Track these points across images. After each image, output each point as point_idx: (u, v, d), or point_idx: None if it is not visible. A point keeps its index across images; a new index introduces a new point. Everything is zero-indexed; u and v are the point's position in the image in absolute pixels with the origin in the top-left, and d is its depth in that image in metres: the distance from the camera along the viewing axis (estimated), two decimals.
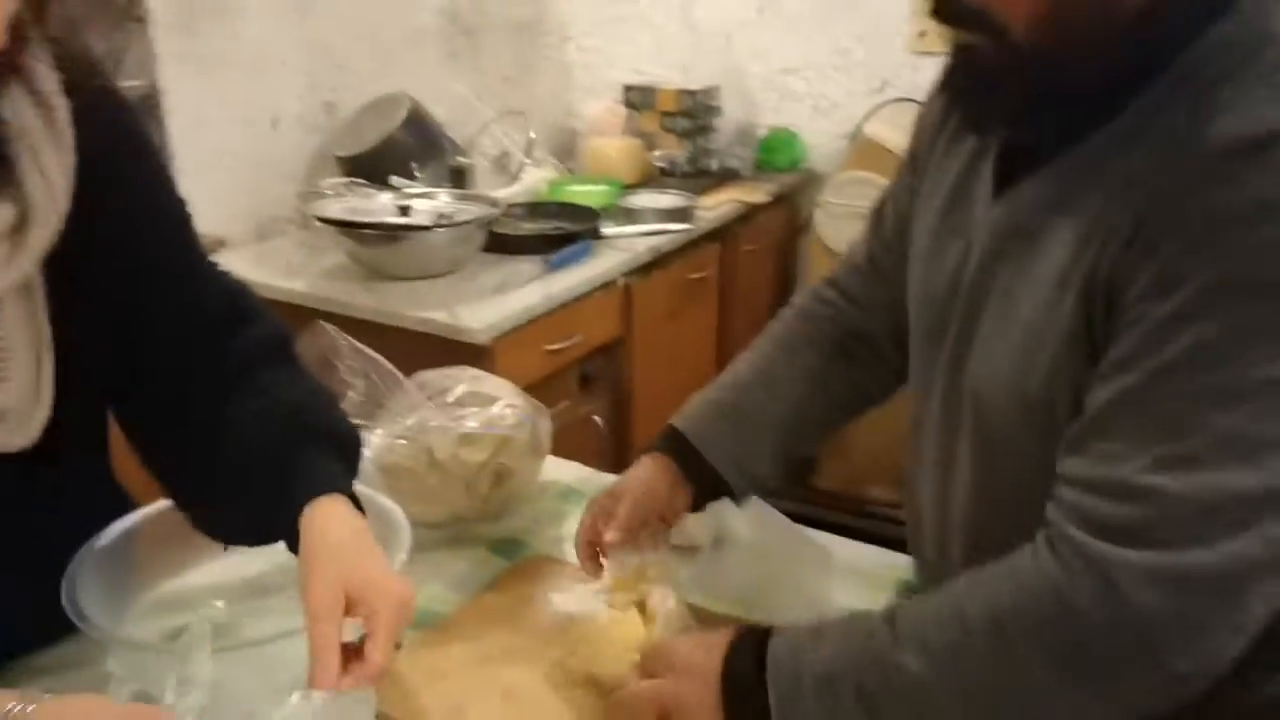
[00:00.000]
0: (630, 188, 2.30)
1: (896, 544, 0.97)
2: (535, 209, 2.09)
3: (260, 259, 1.86)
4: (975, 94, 0.70)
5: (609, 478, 1.08)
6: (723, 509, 1.01)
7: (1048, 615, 0.60)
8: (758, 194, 2.40)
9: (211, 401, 0.79)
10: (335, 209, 1.75)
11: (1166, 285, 0.58)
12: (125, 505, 0.88)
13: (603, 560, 0.87)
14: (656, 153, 2.46)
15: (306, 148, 2.10)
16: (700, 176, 2.45)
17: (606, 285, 1.87)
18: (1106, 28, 0.62)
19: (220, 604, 0.87)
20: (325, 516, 0.72)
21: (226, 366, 0.81)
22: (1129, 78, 0.63)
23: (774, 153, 2.62)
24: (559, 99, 2.86)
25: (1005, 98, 0.66)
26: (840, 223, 2.28)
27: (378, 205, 1.80)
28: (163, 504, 0.85)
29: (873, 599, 0.91)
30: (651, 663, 0.75)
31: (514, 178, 2.14)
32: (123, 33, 1.71)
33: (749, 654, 0.69)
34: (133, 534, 0.82)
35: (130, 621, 0.80)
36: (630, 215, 2.09)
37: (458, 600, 0.94)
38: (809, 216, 2.49)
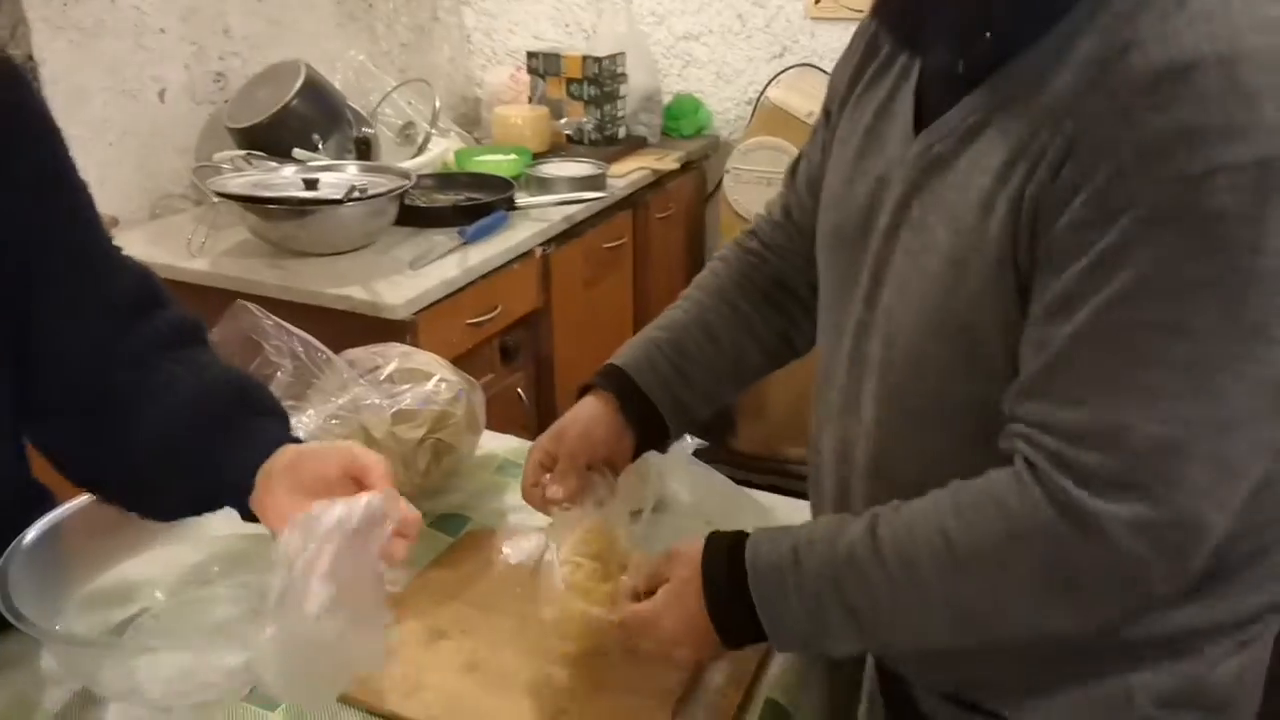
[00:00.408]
0: (539, 156, 2.28)
1: None
2: (445, 180, 2.05)
3: (157, 238, 1.77)
4: (910, 14, 0.70)
5: None
6: (664, 468, 1.02)
7: (1041, 557, 0.62)
8: (666, 161, 2.41)
9: (135, 383, 0.77)
10: (237, 184, 1.68)
11: (1103, 215, 0.59)
12: (47, 500, 0.84)
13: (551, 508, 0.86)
14: (563, 120, 2.44)
15: (197, 120, 2.00)
16: (608, 144, 2.44)
17: (524, 256, 1.85)
18: None
19: (159, 595, 0.84)
20: (294, 450, 0.74)
21: (146, 350, 0.79)
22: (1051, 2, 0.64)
23: (679, 120, 2.63)
24: (459, 66, 2.80)
25: (944, 17, 0.67)
26: (749, 188, 2.31)
27: (282, 179, 1.73)
28: (87, 498, 0.81)
29: None
30: (638, 584, 0.77)
31: (420, 148, 2.09)
32: None
33: (724, 561, 0.73)
34: (60, 529, 0.78)
35: (65, 618, 0.76)
36: (543, 185, 2.07)
37: (404, 579, 0.93)
38: (718, 182, 2.51)
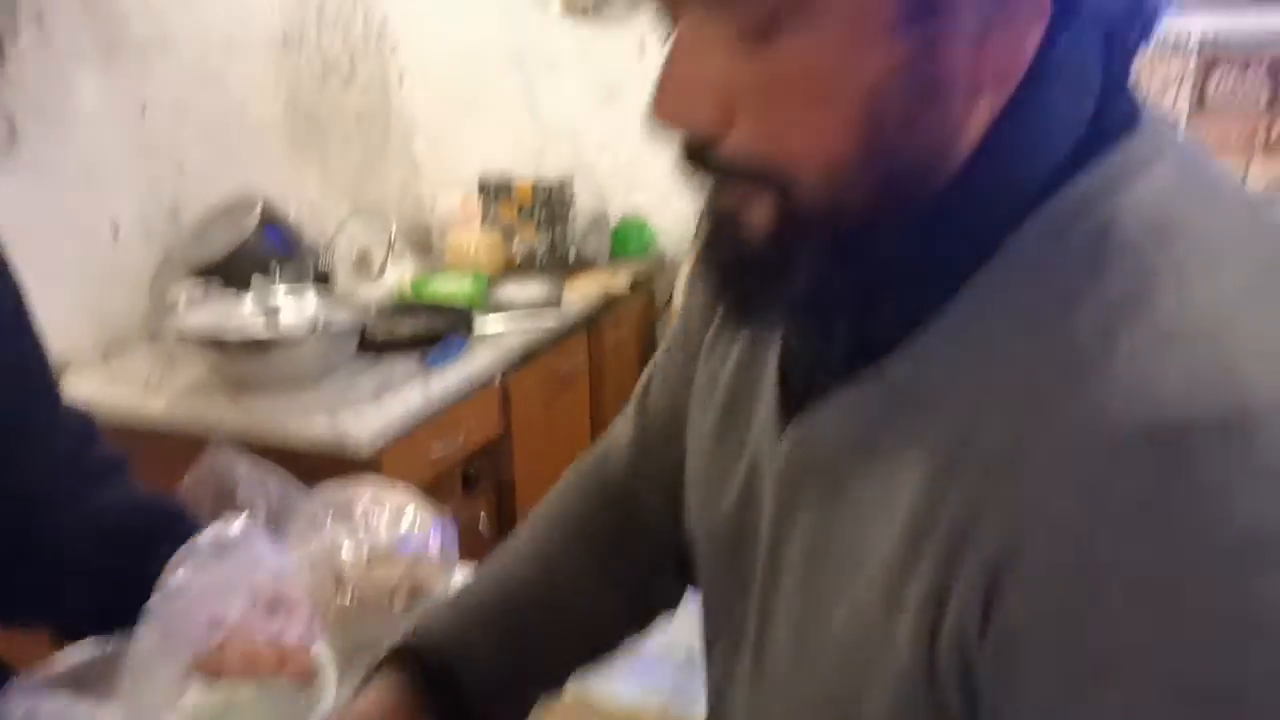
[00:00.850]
0: (494, 279, 2.31)
1: None
2: (403, 307, 2.06)
3: (111, 379, 1.73)
4: (746, 276, 0.46)
5: None
6: None
7: None
8: (617, 281, 2.46)
9: (68, 511, 0.81)
10: (196, 321, 1.67)
11: (1082, 667, 0.36)
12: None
13: None
14: (515, 243, 2.49)
15: (151, 255, 1.99)
16: (560, 266, 2.49)
17: (484, 382, 1.85)
18: (934, 174, 0.42)
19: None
20: None
21: (80, 483, 0.83)
22: (959, 255, 0.43)
23: (626, 240, 2.70)
24: (410, 192, 2.85)
25: (790, 281, 0.44)
26: None
27: (240, 313, 1.73)
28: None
29: None
30: None
31: (377, 276, 2.11)
32: None
33: None
34: None
35: None
36: (500, 308, 2.10)
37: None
38: (667, 300, 2.57)
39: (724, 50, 0.42)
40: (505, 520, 1.97)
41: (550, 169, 2.54)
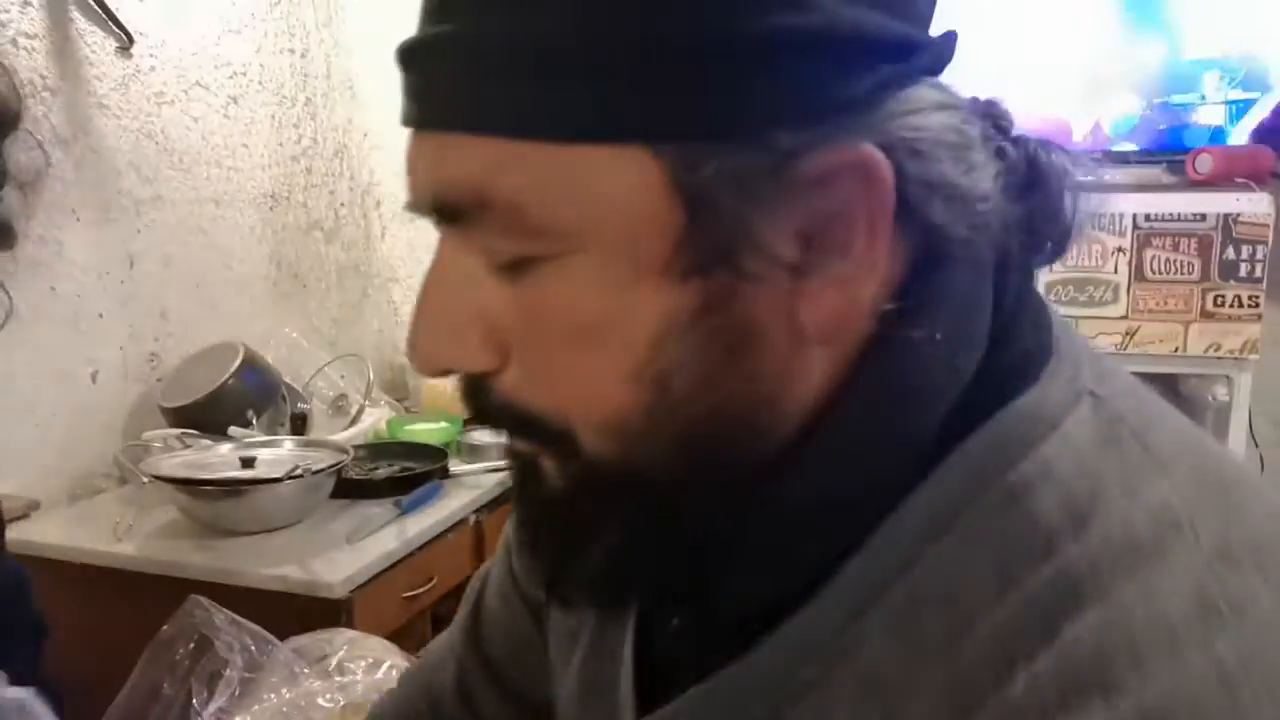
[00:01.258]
0: (468, 422, 2.34)
1: None
2: (379, 450, 2.07)
3: (78, 520, 1.71)
4: (554, 534, 0.41)
5: None
6: None
7: None
8: None
9: None
10: (170, 464, 1.67)
11: None
12: None
13: None
14: None
15: (126, 399, 2.01)
16: None
17: (458, 525, 1.86)
18: (758, 433, 0.37)
19: None
20: None
21: None
22: (824, 527, 0.37)
23: None
24: (387, 337, 2.91)
25: (599, 542, 0.39)
26: None
27: (217, 458, 1.73)
28: None
29: None
30: None
31: (354, 420, 2.13)
32: None
33: None
34: None
35: None
36: (474, 451, 2.11)
37: None
38: None
39: (488, 277, 0.37)
40: None
41: None
